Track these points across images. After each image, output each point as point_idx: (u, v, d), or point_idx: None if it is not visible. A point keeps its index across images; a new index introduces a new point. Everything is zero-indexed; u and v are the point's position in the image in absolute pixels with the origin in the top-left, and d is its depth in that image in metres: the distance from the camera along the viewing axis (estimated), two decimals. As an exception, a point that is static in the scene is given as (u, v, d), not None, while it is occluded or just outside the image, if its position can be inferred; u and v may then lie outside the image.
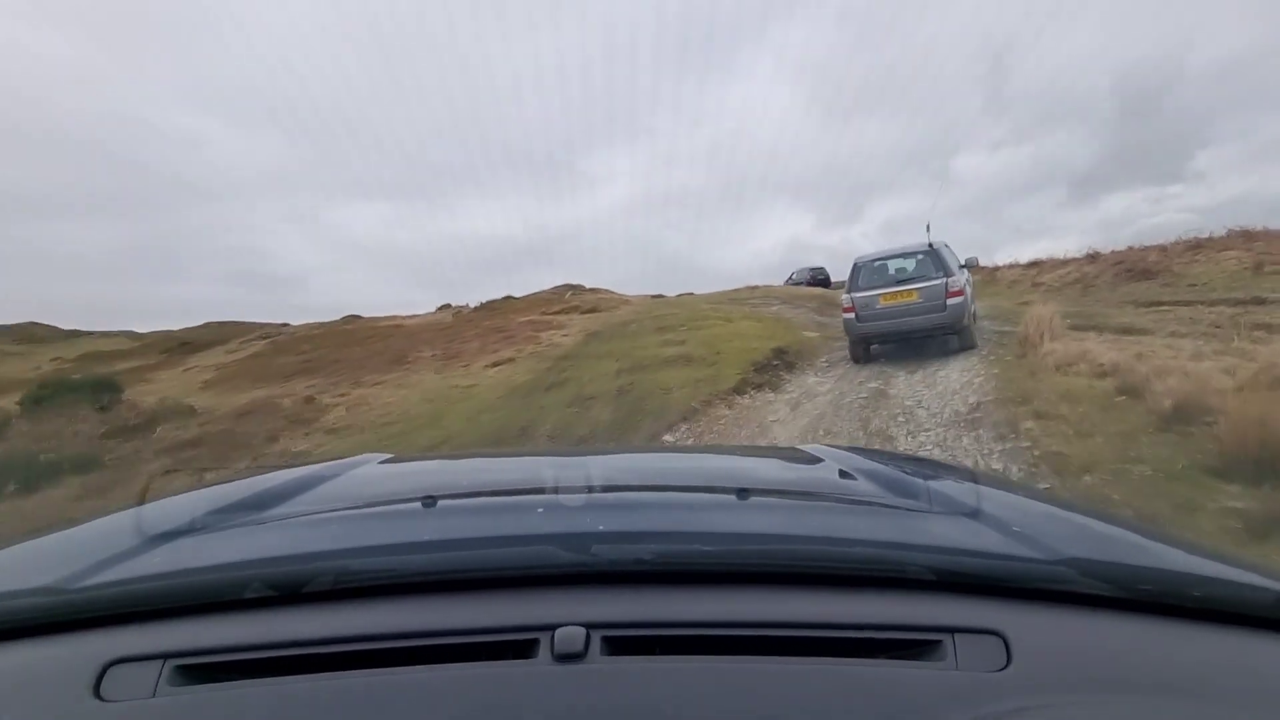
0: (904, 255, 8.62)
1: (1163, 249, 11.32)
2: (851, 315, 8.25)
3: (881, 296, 8.04)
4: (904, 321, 7.93)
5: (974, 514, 0.79)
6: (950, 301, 7.69)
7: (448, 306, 29.08)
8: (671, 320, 14.05)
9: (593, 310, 18.25)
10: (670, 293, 27.85)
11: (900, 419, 5.72)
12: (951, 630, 0.56)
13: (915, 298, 7.88)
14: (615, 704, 0.49)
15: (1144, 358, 5.19)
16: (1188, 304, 7.68)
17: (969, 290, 8.18)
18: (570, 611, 0.57)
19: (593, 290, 32.02)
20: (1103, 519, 0.91)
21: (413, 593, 0.63)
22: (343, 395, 11.58)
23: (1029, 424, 4.63)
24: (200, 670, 0.55)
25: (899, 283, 8.21)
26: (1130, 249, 11.97)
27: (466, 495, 1.05)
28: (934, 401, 6.03)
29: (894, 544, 0.70)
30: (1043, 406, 4.93)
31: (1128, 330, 7.07)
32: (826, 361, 9.49)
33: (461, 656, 0.54)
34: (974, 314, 8.78)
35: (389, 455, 1.42)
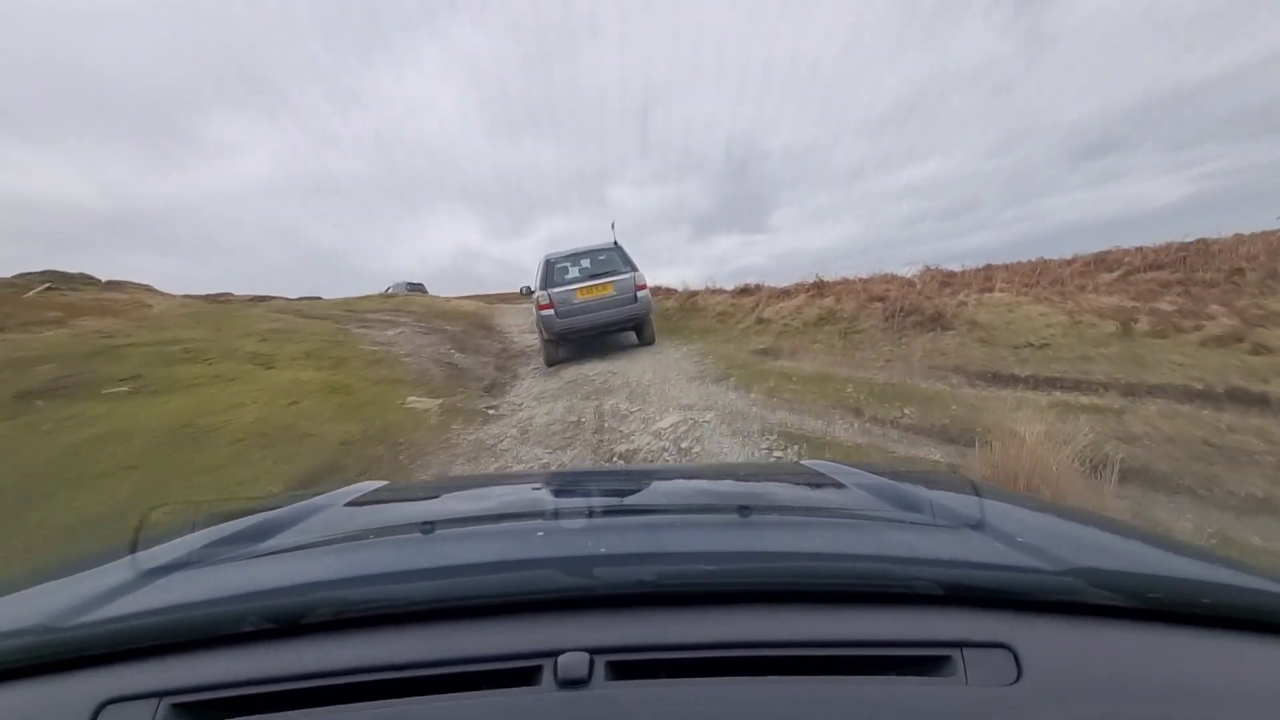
0: (592, 251, 8.48)
1: (909, 283, 8.08)
2: (550, 312, 7.76)
3: (578, 291, 7.85)
4: (600, 315, 7.84)
5: (979, 526, 0.77)
6: (640, 294, 7.89)
7: None
8: (136, 359, 6.54)
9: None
10: (325, 293, 24.07)
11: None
12: (960, 645, 0.56)
13: (610, 291, 7.85)
14: None
15: None
16: (1077, 387, 4.33)
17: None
18: (573, 637, 0.57)
19: (114, 285, 20.04)
20: (1107, 527, 0.90)
21: (413, 622, 0.61)
22: None
23: None
24: (197, 708, 0.54)
25: (592, 277, 8.07)
26: (864, 280, 8.83)
27: (465, 521, 1.02)
28: None
29: (900, 559, 0.69)
30: None
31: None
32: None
33: (464, 686, 0.53)
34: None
35: (384, 483, 1.41)
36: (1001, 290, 7.16)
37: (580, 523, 0.87)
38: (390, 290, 24.47)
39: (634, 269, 8.05)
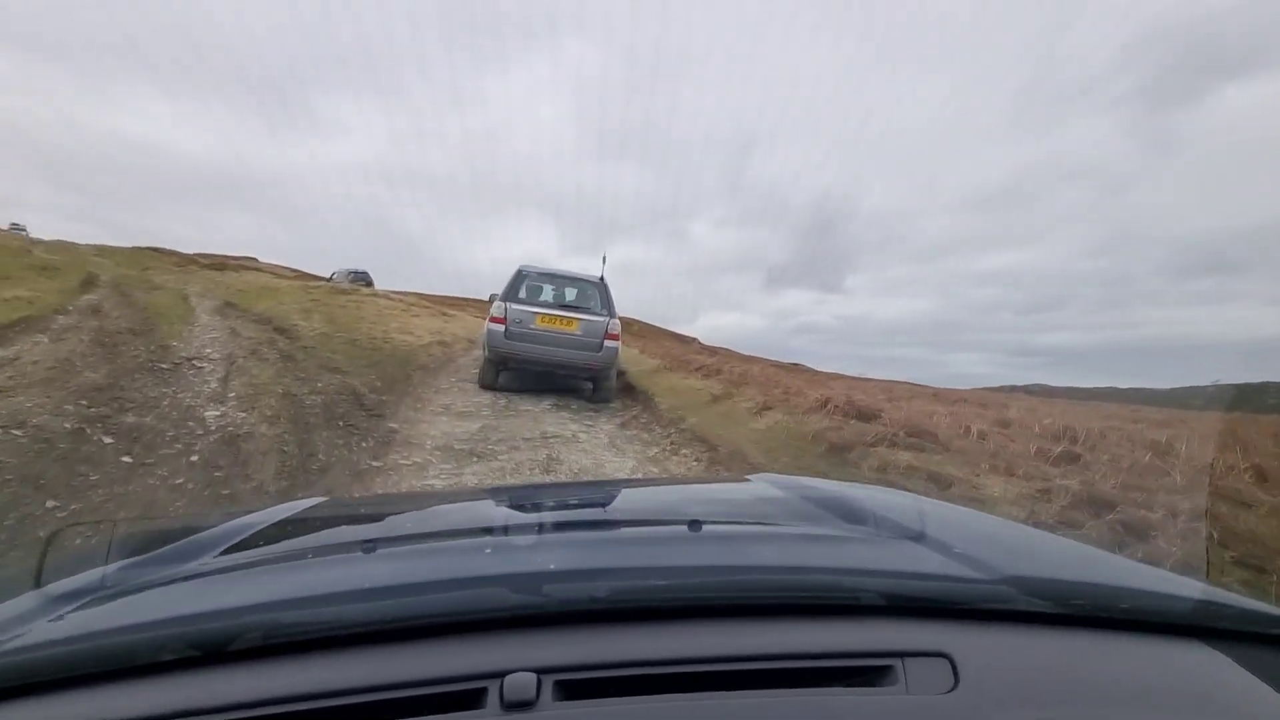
0: (574, 280, 7.74)
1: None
2: (500, 328, 6.89)
3: (539, 316, 7.01)
4: (555, 352, 6.97)
5: (919, 538, 0.79)
6: (607, 344, 7.11)
7: None
8: None
9: None
10: (393, 280, 22.68)
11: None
12: (901, 654, 0.57)
13: (575, 328, 7.04)
14: None
15: None
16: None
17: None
18: (520, 656, 0.55)
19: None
20: (1037, 536, 0.96)
21: (352, 645, 0.58)
22: None
23: None
24: None
25: (562, 307, 7.28)
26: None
27: (409, 538, 0.98)
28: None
29: (846, 570, 0.70)
30: None
31: None
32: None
33: (405, 711, 0.51)
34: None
35: (324, 499, 1.42)
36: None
37: (529, 539, 0.85)
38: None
39: (611, 314, 7.28)
